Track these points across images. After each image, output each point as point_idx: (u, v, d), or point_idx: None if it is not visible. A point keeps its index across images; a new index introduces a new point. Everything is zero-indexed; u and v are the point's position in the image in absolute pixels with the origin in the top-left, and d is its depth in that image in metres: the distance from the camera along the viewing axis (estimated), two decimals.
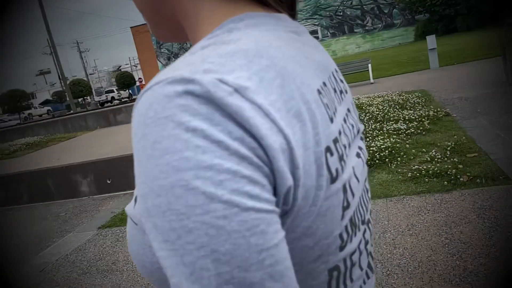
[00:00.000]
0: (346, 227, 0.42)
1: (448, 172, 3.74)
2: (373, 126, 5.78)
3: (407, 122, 5.75)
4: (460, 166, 3.82)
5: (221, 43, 0.38)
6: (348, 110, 0.52)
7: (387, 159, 4.41)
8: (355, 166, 0.46)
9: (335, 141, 0.41)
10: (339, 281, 0.43)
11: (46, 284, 3.35)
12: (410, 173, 3.93)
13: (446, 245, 2.67)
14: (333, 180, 0.39)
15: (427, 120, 5.62)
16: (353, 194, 0.43)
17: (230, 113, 0.32)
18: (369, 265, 0.51)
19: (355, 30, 37.61)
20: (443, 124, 5.41)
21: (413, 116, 5.94)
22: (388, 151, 4.56)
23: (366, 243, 0.49)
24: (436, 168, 3.87)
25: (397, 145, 4.76)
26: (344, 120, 0.48)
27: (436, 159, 4.12)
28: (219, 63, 0.35)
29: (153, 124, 0.32)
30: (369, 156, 4.51)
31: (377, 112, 6.59)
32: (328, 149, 0.39)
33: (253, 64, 0.36)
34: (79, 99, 44.46)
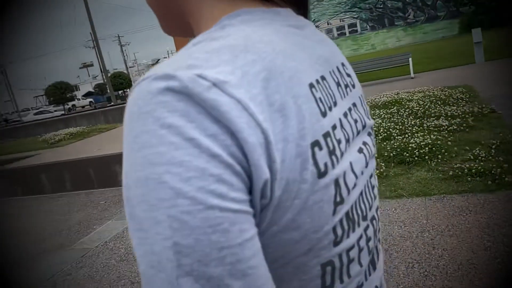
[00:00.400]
0: (341, 222, 0.42)
1: (493, 172, 3.57)
2: (412, 122, 5.61)
3: (449, 118, 5.54)
4: (506, 165, 3.64)
5: (210, 39, 0.39)
6: (354, 104, 0.51)
7: (426, 157, 4.26)
8: (353, 161, 0.45)
9: (326, 135, 0.40)
10: (334, 276, 0.43)
11: (87, 269, 3.49)
12: (451, 172, 3.78)
13: (488, 248, 2.55)
14: (321, 174, 0.39)
15: (471, 116, 5.39)
16: (348, 190, 0.43)
17: (207, 108, 0.33)
18: (371, 262, 0.51)
19: (396, 23, 36.55)
20: (488, 121, 5.17)
21: (456, 112, 5.71)
22: (428, 148, 4.41)
23: (368, 240, 0.49)
24: (479, 167, 3.70)
25: (438, 142, 4.60)
26: (345, 115, 0.47)
27: (480, 158, 3.94)
28: (203, 59, 0.36)
29: (136, 118, 0.33)
30: (407, 153, 4.39)
31: (417, 108, 6.38)
32: (316, 144, 0.39)
33: (238, 59, 0.36)
34: (120, 92, 45.79)
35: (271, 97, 0.36)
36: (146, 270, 0.32)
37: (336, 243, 0.42)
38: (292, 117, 0.37)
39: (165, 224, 0.31)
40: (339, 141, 0.43)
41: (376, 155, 0.58)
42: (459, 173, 3.73)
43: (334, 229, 0.41)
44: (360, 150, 0.49)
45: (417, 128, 5.32)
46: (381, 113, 6.61)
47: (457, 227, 2.89)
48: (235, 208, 0.32)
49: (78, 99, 45.26)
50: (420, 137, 4.79)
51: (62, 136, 11.71)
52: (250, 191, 0.35)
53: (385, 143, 5.00)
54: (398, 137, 5.10)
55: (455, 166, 3.89)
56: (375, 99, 8.08)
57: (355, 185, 0.45)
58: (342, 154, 0.43)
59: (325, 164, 0.39)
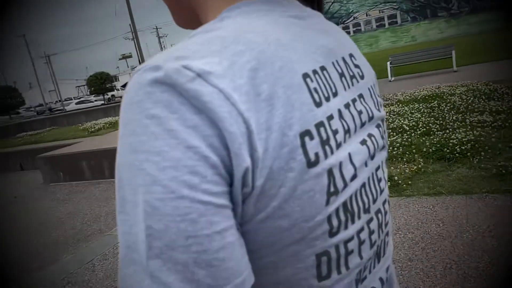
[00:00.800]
0: (337, 213, 0.42)
1: None
2: (454, 117, 5.40)
3: (493, 114, 5.28)
4: None
5: (205, 31, 0.41)
6: (360, 96, 0.51)
7: (468, 153, 4.09)
8: (353, 152, 0.45)
9: (319, 125, 0.40)
10: (330, 267, 0.43)
11: None
12: (494, 170, 3.62)
13: None
14: (310, 164, 0.39)
15: None
16: (344, 181, 0.43)
17: (189, 99, 0.34)
18: (377, 255, 0.51)
19: (439, 14, 35.17)
20: None
21: (501, 108, 5.45)
22: (471, 145, 4.23)
23: (371, 232, 0.48)
24: None
25: (481, 138, 4.40)
26: (347, 106, 0.47)
27: None
28: (193, 50, 0.37)
29: (128, 108, 0.36)
30: (448, 149, 4.23)
31: (460, 103, 6.14)
32: (306, 133, 0.39)
33: (227, 49, 0.37)
34: None
35: (259, 87, 0.37)
36: (123, 249, 0.34)
37: (332, 233, 0.42)
38: (279, 106, 0.37)
39: (141, 208, 0.33)
40: (335, 132, 0.42)
41: (385, 147, 0.56)
42: (503, 171, 3.56)
43: (329, 219, 0.41)
44: (363, 142, 0.48)
45: (459, 123, 5.12)
46: (421, 107, 6.41)
47: (499, 228, 2.76)
48: (205, 199, 0.33)
49: (117, 90, 46.57)
50: (462, 133, 4.61)
51: (102, 125, 12.08)
52: (231, 182, 0.36)
53: (424, 138, 4.85)
54: (438, 132, 4.92)
55: (499, 164, 3.71)
56: (415, 92, 7.84)
57: (355, 176, 0.45)
58: (339, 144, 0.43)
59: (316, 154, 0.39)
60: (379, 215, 0.51)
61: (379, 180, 0.51)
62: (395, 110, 6.63)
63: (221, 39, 0.38)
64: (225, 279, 0.34)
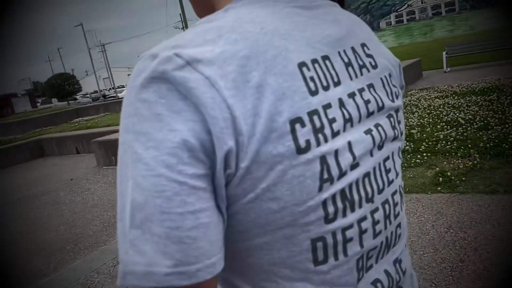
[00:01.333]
0: (333, 200, 0.43)
1: None
2: None
3: None
4: None
5: (208, 21, 0.43)
6: (370, 86, 0.50)
7: None
8: (354, 141, 0.45)
9: (312, 113, 0.41)
10: (327, 253, 0.44)
11: None
12: None
13: None
14: (300, 150, 0.40)
15: None
16: (340, 169, 0.43)
17: (176, 85, 0.37)
18: (386, 246, 0.51)
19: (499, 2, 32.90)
20: None
21: None
22: None
23: (376, 222, 0.48)
24: None
25: None
26: (351, 95, 0.47)
27: None
28: (189, 39, 0.40)
29: (128, 91, 0.39)
30: (507, 145, 3.97)
31: None
32: (297, 120, 0.40)
33: (221, 38, 0.40)
34: None
35: (248, 74, 0.39)
36: (117, 216, 0.39)
37: (328, 220, 0.43)
38: (269, 94, 0.39)
39: (130, 182, 0.37)
40: (332, 120, 0.43)
41: (398, 137, 0.55)
42: None
43: (324, 205, 0.42)
44: (368, 131, 0.48)
45: None
46: (479, 100, 6.06)
47: None
48: (180, 180, 0.36)
49: None
50: None
51: None
52: (213, 165, 0.38)
53: (480, 133, 4.58)
54: (497, 127, 4.63)
55: None
56: (472, 84, 7.42)
57: (356, 165, 0.45)
58: (336, 133, 0.43)
59: (307, 141, 0.41)
60: (386, 206, 0.50)
61: (388, 171, 0.51)
62: (450, 102, 6.31)
63: (218, 28, 0.41)
64: (196, 258, 0.36)
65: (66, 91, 38.57)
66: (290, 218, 0.41)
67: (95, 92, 55.41)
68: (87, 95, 52.84)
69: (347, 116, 0.45)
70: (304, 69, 0.42)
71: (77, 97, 47.14)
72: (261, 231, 0.42)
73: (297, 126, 0.40)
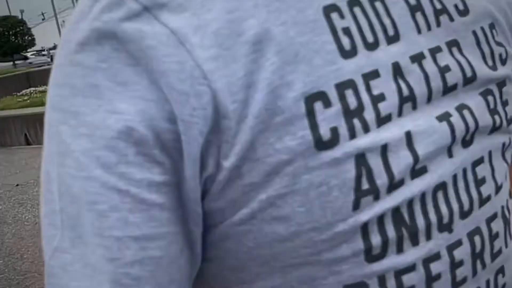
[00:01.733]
0: (380, 224, 0.31)
1: None
2: None
3: None
4: None
5: None
6: (455, 43, 0.35)
7: None
8: (416, 132, 0.32)
9: (345, 86, 0.30)
10: None
11: None
12: None
13: None
14: (322, 144, 0.29)
15: None
16: (391, 176, 0.30)
17: (125, 43, 0.27)
18: None
19: None
20: None
21: None
22: None
23: (456, 264, 0.34)
24: None
25: None
26: (416, 58, 0.33)
27: None
28: None
29: (60, 47, 0.32)
30: None
31: None
32: (319, 96, 0.29)
33: None
34: None
35: (241, 23, 0.28)
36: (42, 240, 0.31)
37: (372, 257, 0.31)
38: (273, 53, 0.28)
39: (56, 183, 0.29)
40: (378, 98, 0.30)
41: (502, 128, 0.37)
42: None
43: (364, 233, 0.30)
44: (444, 117, 0.33)
45: None
46: None
47: None
48: (121, 187, 0.27)
49: None
50: None
51: None
52: (178, 168, 0.28)
53: None
54: None
55: None
56: None
57: (421, 170, 0.32)
58: (384, 118, 0.31)
59: (334, 130, 0.29)
60: (477, 238, 0.35)
61: (480, 182, 0.36)
62: None
63: None
64: None
65: (12, 44, 30.70)
66: (308, 251, 0.30)
67: (56, 47, 51.16)
68: (43, 52, 43.12)
69: (406, 92, 0.32)
70: (334, 15, 0.30)
71: (29, 54, 41.55)
72: (264, 269, 0.31)
73: (318, 105, 0.29)
